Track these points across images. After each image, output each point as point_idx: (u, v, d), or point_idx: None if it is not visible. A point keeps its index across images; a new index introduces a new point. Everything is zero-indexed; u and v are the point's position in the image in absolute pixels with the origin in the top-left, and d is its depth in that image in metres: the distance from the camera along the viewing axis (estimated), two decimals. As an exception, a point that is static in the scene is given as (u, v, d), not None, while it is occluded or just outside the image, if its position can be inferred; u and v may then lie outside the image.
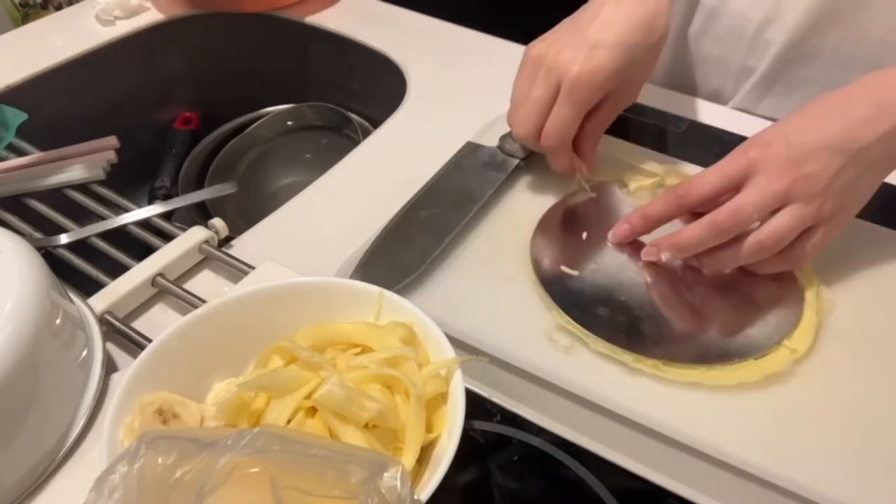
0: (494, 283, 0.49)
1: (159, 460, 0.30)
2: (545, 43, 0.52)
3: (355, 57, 0.81)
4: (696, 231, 0.46)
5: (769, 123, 0.50)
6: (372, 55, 0.79)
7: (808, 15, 0.62)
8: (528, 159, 0.58)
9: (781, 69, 0.66)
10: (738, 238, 0.45)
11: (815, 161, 0.43)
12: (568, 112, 0.51)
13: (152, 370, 0.39)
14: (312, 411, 0.37)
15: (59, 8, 0.98)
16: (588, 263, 0.50)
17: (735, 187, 0.45)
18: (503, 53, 0.77)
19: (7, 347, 0.37)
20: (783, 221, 0.44)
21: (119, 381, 0.39)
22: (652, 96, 0.71)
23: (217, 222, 0.55)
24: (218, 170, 0.83)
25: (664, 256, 0.48)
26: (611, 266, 0.50)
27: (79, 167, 0.62)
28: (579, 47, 0.50)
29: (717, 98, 0.72)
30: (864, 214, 0.52)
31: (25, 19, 1.00)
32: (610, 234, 0.51)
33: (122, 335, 0.48)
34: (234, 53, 0.89)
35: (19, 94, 0.73)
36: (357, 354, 0.40)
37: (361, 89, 0.84)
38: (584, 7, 0.54)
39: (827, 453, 0.40)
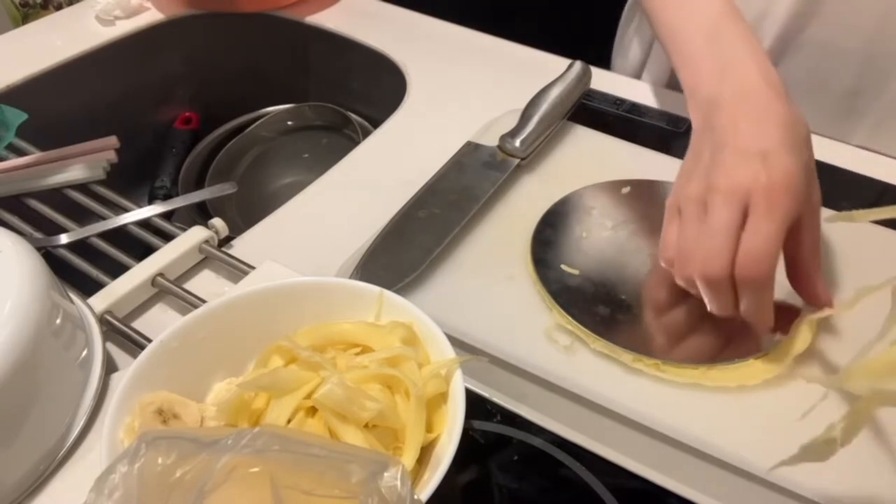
0: (494, 282, 0.49)
1: (159, 460, 0.30)
2: (695, 179, 0.43)
3: (355, 57, 0.81)
4: None
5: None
6: (372, 55, 0.79)
7: (799, 4, 0.62)
8: (528, 159, 0.58)
9: (776, 62, 0.66)
10: None
11: None
12: (770, 228, 0.40)
13: (152, 370, 0.39)
14: (312, 411, 0.37)
15: (59, 8, 0.98)
16: (588, 262, 0.50)
17: None
18: (503, 53, 0.77)
19: (7, 347, 0.38)
20: None
21: (119, 381, 0.39)
22: (652, 96, 0.71)
23: (217, 222, 0.55)
24: (218, 170, 0.83)
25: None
26: (611, 265, 0.50)
27: (79, 167, 0.62)
28: (748, 162, 0.41)
29: None
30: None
31: (25, 19, 1.00)
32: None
33: (122, 335, 0.48)
34: (234, 53, 0.89)
35: (19, 94, 0.73)
36: (357, 354, 0.40)
37: (361, 89, 0.84)
38: (702, 131, 0.45)
39: (827, 453, 0.40)
